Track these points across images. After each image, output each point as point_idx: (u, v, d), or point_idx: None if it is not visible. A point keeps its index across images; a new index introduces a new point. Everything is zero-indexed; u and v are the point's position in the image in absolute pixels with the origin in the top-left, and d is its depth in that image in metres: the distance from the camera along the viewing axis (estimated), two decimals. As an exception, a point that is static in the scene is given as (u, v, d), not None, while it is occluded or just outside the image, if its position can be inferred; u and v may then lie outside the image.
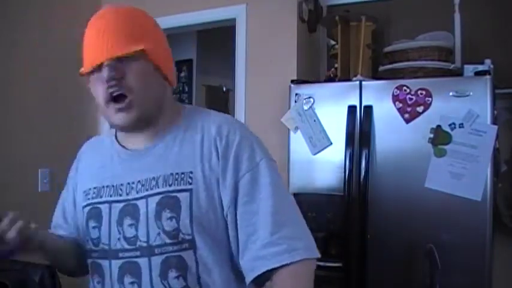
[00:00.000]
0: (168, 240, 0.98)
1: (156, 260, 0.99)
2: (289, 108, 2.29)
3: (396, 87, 2.06)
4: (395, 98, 2.05)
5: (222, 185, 1.01)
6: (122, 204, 1.04)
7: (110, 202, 1.05)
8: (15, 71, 2.60)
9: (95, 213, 1.07)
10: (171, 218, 0.99)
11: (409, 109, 2.02)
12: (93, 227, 1.06)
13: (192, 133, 1.06)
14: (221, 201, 1.01)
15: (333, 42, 2.72)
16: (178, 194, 1.00)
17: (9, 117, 2.57)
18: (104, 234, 1.05)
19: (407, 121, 2.03)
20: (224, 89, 4.46)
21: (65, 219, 1.20)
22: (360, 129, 2.11)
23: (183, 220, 0.98)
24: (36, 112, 2.71)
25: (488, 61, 2.05)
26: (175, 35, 3.59)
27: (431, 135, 1.97)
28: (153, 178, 1.03)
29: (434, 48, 2.16)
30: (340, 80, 2.37)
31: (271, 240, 0.97)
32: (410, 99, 2.02)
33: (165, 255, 0.98)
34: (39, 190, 2.71)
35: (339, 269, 2.08)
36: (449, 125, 1.95)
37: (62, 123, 2.87)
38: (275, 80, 2.57)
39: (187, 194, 1.00)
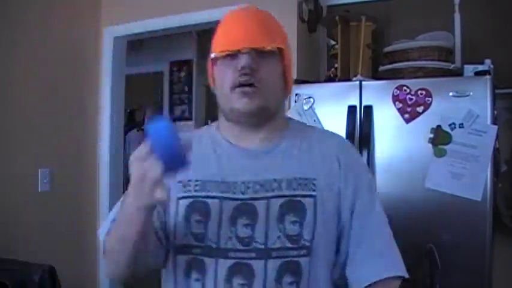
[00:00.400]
0: (288, 245, 0.98)
1: (273, 264, 0.98)
2: (289, 108, 2.29)
3: (396, 87, 2.06)
4: (395, 98, 2.05)
5: (343, 197, 1.04)
6: (236, 203, 1.01)
7: (221, 198, 1.02)
8: (15, 71, 2.60)
9: (200, 207, 1.03)
10: (294, 222, 0.99)
11: (409, 109, 2.02)
12: (197, 221, 1.02)
13: (309, 144, 1.09)
14: (339, 212, 1.04)
15: (333, 42, 2.72)
16: (302, 199, 1.01)
17: (9, 117, 2.57)
18: (211, 230, 1.00)
19: (408, 121, 2.03)
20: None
21: None
22: (360, 129, 2.11)
23: (307, 226, 0.99)
24: (36, 112, 2.71)
25: (488, 61, 2.05)
26: (175, 35, 3.60)
27: (431, 135, 1.97)
28: (275, 180, 1.02)
29: (434, 48, 2.16)
30: (340, 80, 2.37)
31: (376, 254, 1.02)
32: (411, 99, 2.02)
33: (284, 259, 0.98)
34: (39, 190, 2.71)
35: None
36: (449, 125, 1.95)
37: (62, 123, 2.87)
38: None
39: (311, 200, 1.01)
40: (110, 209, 3.53)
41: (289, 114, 2.27)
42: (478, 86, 1.93)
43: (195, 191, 1.04)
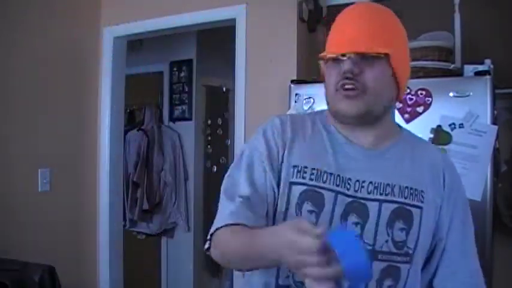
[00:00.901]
0: (394, 250, 1.01)
1: (378, 266, 1.00)
2: (289, 108, 2.29)
3: (396, 87, 2.05)
4: (395, 98, 2.05)
5: (445, 212, 1.07)
6: (349, 199, 1.02)
7: (336, 192, 1.02)
8: (15, 71, 2.60)
9: (314, 197, 1.02)
10: (402, 230, 1.01)
11: (409, 109, 2.02)
12: (309, 211, 1.02)
13: (420, 154, 1.10)
14: (437, 226, 1.07)
15: (333, 42, 2.72)
16: (412, 209, 1.03)
17: (9, 117, 2.57)
18: (322, 223, 0.99)
19: (408, 121, 2.03)
20: (224, 89, 4.46)
21: (253, 186, 1.04)
22: (360, 129, 2.10)
23: (412, 234, 1.02)
24: (36, 112, 2.71)
25: (488, 61, 2.05)
26: (175, 35, 3.60)
27: (432, 136, 1.97)
28: (388, 185, 1.04)
29: (434, 48, 2.16)
30: (340, 80, 2.36)
31: (472, 272, 1.08)
32: (411, 99, 2.02)
33: (388, 263, 1.01)
34: (39, 190, 2.71)
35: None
36: (450, 125, 1.95)
37: (62, 123, 2.87)
38: (275, 80, 2.56)
39: (418, 211, 1.04)
40: (110, 208, 3.51)
41: (289, 114, 2.27)
42: (478, 86, 1.93)
43: (310, 179, 1.03)
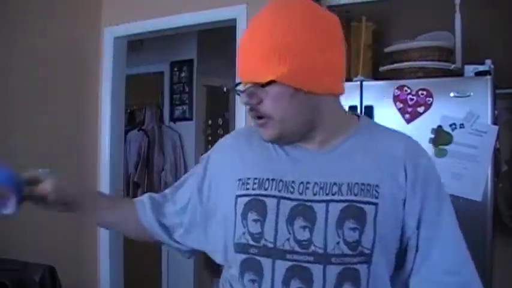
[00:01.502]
0: (347, 251, 0.94)
1: (333, 270, 0.94)
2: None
3: (397, 88, 2.05)
4: (396, 98, 2.05)
5: (408, 207, 0.98)
6: (293, 203, 0.97)
7: (278, 197, 0.98)
8: (15, 70, 2.60)
9: (257, 206, 1.00)
10: (354, 229, 0.94)
11: (409, 109, 2.02)
12: (254, 220, 0.99)
13: (376, 145, 1.02)
14: (404, 222, 0.98)
15: (333, 42, 2.71)
16: (364, 206, 0.96)
17: (9, 117, 2.57)
18: (268, 230, 0.97)
19: (408, 121, 2.03)
20: (225, 89, 4.46)
21: (183, 208, 1.13)
22: (361, 130, 2.10)
23: (366, 233, 0.95)
24: (36, 112, 2.71)
25: (488, 61, 2.05)
26: (175, 35, 3.60)
27: (432, 136, 1.97)
28: (335, 183, 0.97)
29: (434, 49, 2.16)
30: (340, 80, 2.36)
31: (449, 268, 0.98)
32: (411, 99, 2.02)
33: (343, 266, 0.94)
34: (40, 190, 2.71)
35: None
36: (450, 125, 1.95)
37: (62, 123, 2.87)
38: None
39: (373, 207, 0.96)
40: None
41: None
42: (479, 86, 1.92)
43: (253, 189, 1.01)
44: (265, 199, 0.99)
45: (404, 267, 1.01)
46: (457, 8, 2.19)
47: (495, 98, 1.95)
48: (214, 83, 4.42)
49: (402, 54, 2.21)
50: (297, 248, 0.95)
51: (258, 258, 0.98)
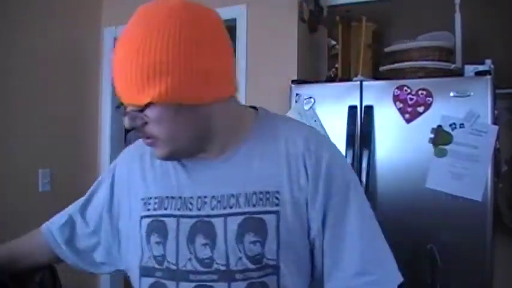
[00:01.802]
0: (250, 266, 0.88)
1: (238, 286, 0.88)
2: (289, 108, 2.29)
3: (397, 88, 2.06)
4: (396, 98, 2.05)
5: (311, 207, 0.90)
6: (193, 220, 0.92)
7: (178, 216, 0.93)
8: (15, 70, 2.60)
9: (158, 227, 0.94)
10: (254, 242, 0.88)
11: (409, 109, 2.02)
12: (157, 243, 0.93)
13: (274, 144, 0.94)
14: (309, 224, 0.91)
15: (333, 42, 2.72)
16: (263, 216, 0.89)
17: (9, 117, 2.57)
18: (170, 252, 0.92)
19: (408, 121, 2.03)
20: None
21: (85, 219, 1.10)
22: (361, 130, 2.11)
23: (269, 245, 0.88)
24: (37, 112, 2.71)
25: (488, 61, 2.05)
26: (175, 35, 3.61)
27: (432, 136, 1.97)
28: (232, 195, 0.91)
29: (434, 48, 2.16)
30: (340, 80, 2.37)
31: (361, 269, 0.89)
32: (411, 99, 2.02)
33: (248, 281, 0.88)
34: (40, 190, 2.71)
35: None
36: (450, 125, 1.95)
37: (62, 123, 2.87)
38: (275, 80, 2.56)
39: (273, 216, 0.89)
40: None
41: (290, 114, 2.27)
42: (479, 86, 1.93)
43: (154, 209, 0.96)
44: (165, 219, 0.93)
45: (314, 273, 0.94)
46: (457, 8, 2.19)
47: (495, 97, 1.95)
48: (214, 83, 4.42)
49: (402, 54, 2.21)
50: (199, 268, 0.90)
51: (163, 281, 0.92)
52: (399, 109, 2.04)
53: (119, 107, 0.90)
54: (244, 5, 2.70)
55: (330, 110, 2.20)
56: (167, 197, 0.95)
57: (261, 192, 0.90)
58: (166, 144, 0.89)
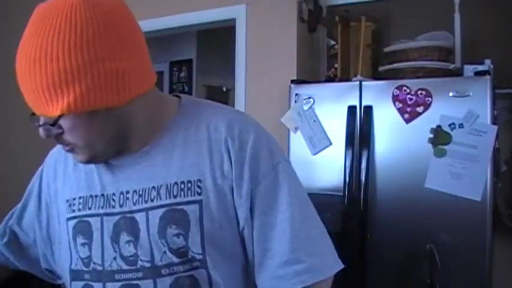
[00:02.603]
0: (175, 260, 0.84)
1: (164, 282, 0.85)
2: (289, 108, 2.29)
3: (396, 88, 2.06)
4: (395, 98, 2.05)
5: (237, 194, 0.85)
6: (116, 218, 0.88)
7: (101, 215, 0.89)
8: (15, 70, 2.60)
9: (82, 228, 0.91)
10: (177, 235, 0.84)
11: (409, 109, 2.02)
12: (82, 244, 0.90)
13: (196, 132, 0.89)
14: (236, 212, 0.86)
15: (333, 42, 2.72)
16: (185, 207, 0.85)
17: (10, 117, 2.57)
18: (95, 252, 0.89)
19: (407, 121, 2.03)
20: (224, 89, 4.46)
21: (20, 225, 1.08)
22: (360, 130, 2.11)
23: (192, 237, 0.84)
24: (36, 112, 2.71)
25: (488, 61, 2.05)
26: (175, 35, 3.60)
27: (431, 136, 1.97)
28: (153, 188, 0.87)
29: (434, 48, 2.16)
30: (340, 80, 2.37)
31: (291, 258, 0.85)
32: (410, 99, 2.02)
33: (175, 276, 0.85)
34: (39, 190, 2.71)
35: (338, 269, 2.08)
36: (449, 125, 1.95)
37: (62, 123, 2.87)
38: (275, 80, 2.57)
39: (196, 206, 0.85)
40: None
41: (289, 114, 2.27)
42: (478, 86, 1.93)
43: (78, 210, 0.92)
44: (90, 219, 0.90)
45: (248, 261, 0.89)
46: (457, 7, 2.19)
47: (494, 97, 1.95)
48: (213, 82, 4.43)
49: (401, 54, 2.21)
50: (124, 266, 0.86)
51: (91, 283, 0.89)
52: (398, 109, 2.04)
53: (33, 115, 0.85)
54: (243, 4, 2.71)
55: (329, 110, 2.20)
56: (91, 195, 0.92)
57: (182, 182, 0.86)
58: (84, 150, 0.84)
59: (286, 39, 2.59)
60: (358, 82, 2.16)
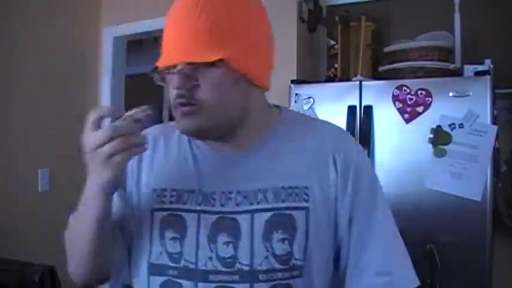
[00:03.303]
0: (277, 266, 0.84)
1: None
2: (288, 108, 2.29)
3: (396, 87, 2.06)
4: (395, 98, 2.05)
5: (340, 204, 0.88)
6: (215, 217, 0.87)
7: (199, 212, 0.87)
8: (15, 71, 2.60)
9: (175, 222, 0.88)
10: (283, 240, 0.84)
11: (409, 109, 2.02)
12: (172, 239, 0.87)
13: (302, 142, 0.91)
14: (336, 222, 0.89)
15: (333, 42, 2.72)
16: (293, 212, 0.85)
17: (9, 117, 2.57)
18: (188, 250, 0.86)
19: (407, 121, 2.03)
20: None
21: None
22: (360, 130, 2.11)
23: (298, 243, 0.84)
24: (36, 112, 2.71)
25: (488, 61, 2.05)
26: (175, 35, 3.60)
27: (431, 136, 1.97)
28: (259, 190, 0.87)
29: (434, 48, 2.16)
30: (340, 80, 2.37)
31: (382, 268, 0.88)
32: (410, 99, 2.02)
33: (272, 282, 0.84)
34: (39, 190, 2.71)
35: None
36: (449, 125, 1.95)
37: (62, 123, 2.87)
38: (275, 80, 2.53)
39: (302, 212, 0.86)
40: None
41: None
42: (478, 86, 1.93)
43: (171, 202, 0.89)
44: (184, 214, 0.88)
45: (339, 272, 0.91)
46: (457, 7, 2.19)
47: (494, 97, 1.95)
48: (213, 83, 4.42)
49: (401, 54, 2.21)
50: (220, 267, 0.85)
51: (178, 280, 0.86)
52: (398, 109, 2.04)
53: (155, 70, 0.86)
54: None
55: (329, 110, 2.20)
56: (187, 190, 0.89)
57: (289, 187, 0.87)
58: (205, 115, 0.82)
59: (286, 39, 2.58)
60: (358, 82, 2.16)
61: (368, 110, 2.10)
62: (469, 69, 2.02)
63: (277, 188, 0.87)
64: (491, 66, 2.04)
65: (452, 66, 2.14)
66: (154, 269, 0.89)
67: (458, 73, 2.10)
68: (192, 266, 0.86)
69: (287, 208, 0.86)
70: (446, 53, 2.19)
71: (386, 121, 2.08)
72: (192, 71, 0.81)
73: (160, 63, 0.85)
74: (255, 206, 0.86)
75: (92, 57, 3.12)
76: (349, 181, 0.89)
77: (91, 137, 0.78)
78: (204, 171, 0.90)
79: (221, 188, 0.88)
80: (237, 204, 0.87)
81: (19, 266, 2.10)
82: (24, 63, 2.64)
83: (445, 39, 2.25)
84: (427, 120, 1.99)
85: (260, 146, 0.91)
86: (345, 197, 0.88)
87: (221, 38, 0.80)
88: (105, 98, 3.13)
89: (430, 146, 1.97)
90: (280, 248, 0.84)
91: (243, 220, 0.86)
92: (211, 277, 0.85)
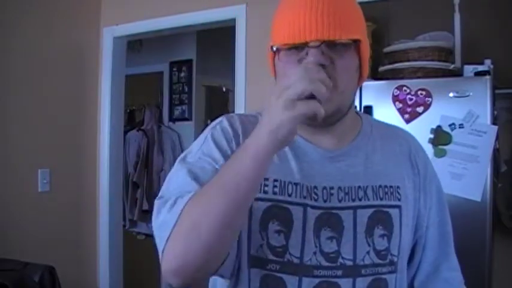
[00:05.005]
0: (376, 261, 0.87)
1: (362, 283, 0.86)
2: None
3: (396, 88, 2.06)
4: (395, 98, 2.05)
5: (423, 205, 0.96)
6: (318, 212, 0.86)
7: (305, 205, 0.86)
8: (16, 71, 2.60)
9: (280, 214, 0.86)
10: (382, 236, 0.88)
11: (409, 109, 2.02)
12: (277, 232, 0.85)
13: (390, 142, 0.96)
14: (418, 221, 0.96)
15: (333, 43, 2.71)
16: (390, 210, 0.90)
17: (9, 117, 2.57)
18: (294, 244, 0.85)
19: (408, 121, 2.03)
20: (224, 89, 4.46)
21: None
22: (360, 130, 2.11)
23: (394, 239, 0.89)
24: (36, 112, 2.71)
25: (488, 61, 2.05)
26: (175, 35, 3.60)
27: (432, 136, 1.97)
28: (360, 187, 0.89)
29: (434, 49, 2.16)
30: (340, 80, 2.36)
31: (455, 266, 0.99)
32: (410, 99, 2.02)
33: (373, 277, 0.87)
34: (39, 190, 2.71)
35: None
36: (449, 125, 1.95)
37: (62, 124, 2.87)
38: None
39: (397, 210, 0.90)
40: (110, 208, 3.51)
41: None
42: (478, 86, 1.93)
43: (274, 193, 0.86)
44: (290, 207, 0.86)
45: (410, 269, 0.97)
46: (457, 8, 2.19)
47: (494, 98, 1.95)
48: (213, 83, 4.42)
49: (401, 54, 2.21)
50: (324, 263, 0.85)
51: (278, 275, 0.85)
52: (398, 109, 2.04)
53: (276, 49, 0.85)
54: (243, 5, 2.70)
55: (330, 110, 2.19)
56: (291, 182, 0.87)
57: (386, 186, 0.91)
58: (338, 95, 0.82)
59: (286, 39, 2.58)
60: (358, 82, 2.15)
61: (368, 110, 2.10)
62: (469, 70, 2.02)
63: (375, 186, 0.90)
64: (491, 66, 2.03)
65: (452, 66, 2.13)
66: (256, 262, 0.86)
67: (458, 73, 2.10)
68: (297, 261, 0.85)
69: (385, 206, 0.90)
70: (446, 53, 2.19)
71: (387, 121, 2.07)
72: (327, 50, 0.81)
73: (284, 41, 0.83)
74: (357, 203, 0.88)
75: (92, 57, 3.12)
76: (427, 183, 0.96)
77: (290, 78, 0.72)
78: (305, 165, 0.89)
79: (322, 183, 0.88)
80: (339, 201, 0.88)
81: (19, 266, 2.10)
82: (24, 64, 2.64)
83: (445, 39, 2.25)
84: (427, 121, 1.99)
85: (354, 145, 0.93)
86: (426, 197, 0.96)
87: (354, 20, 0.84)
88: (105, 98, 3.13)
89: (430, 146, 1.97)
90: (380, 244, 0.88)
91: (346, 216, 0.87)
92: (316, 272, 0.85)
